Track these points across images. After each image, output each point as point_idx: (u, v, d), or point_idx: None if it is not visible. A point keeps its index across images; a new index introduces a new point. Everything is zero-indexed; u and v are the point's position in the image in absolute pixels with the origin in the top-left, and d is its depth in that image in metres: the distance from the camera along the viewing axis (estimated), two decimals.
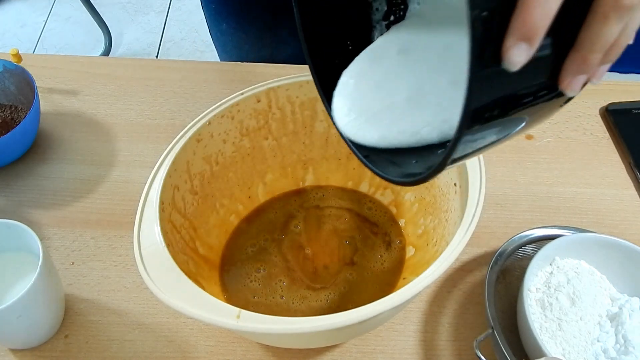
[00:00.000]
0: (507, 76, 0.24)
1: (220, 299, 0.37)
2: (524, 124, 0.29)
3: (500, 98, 0.26)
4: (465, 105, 0.24)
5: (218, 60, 0.84)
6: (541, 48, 0.24)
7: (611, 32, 0.25)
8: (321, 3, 0.39)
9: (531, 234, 0.50)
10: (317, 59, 0.40)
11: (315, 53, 0.39)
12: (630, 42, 0.27)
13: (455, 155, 0.27)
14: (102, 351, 0.48)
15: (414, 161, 0.35)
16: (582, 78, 0.26)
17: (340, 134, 0.38)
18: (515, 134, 0.30)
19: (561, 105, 0.30)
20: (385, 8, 0.42)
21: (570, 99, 0.29)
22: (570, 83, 0.26)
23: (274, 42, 0.78)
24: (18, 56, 0.63)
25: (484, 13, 0.22)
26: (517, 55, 0.23)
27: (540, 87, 0.27)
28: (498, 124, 0.27)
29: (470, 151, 0.29)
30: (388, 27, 0.42)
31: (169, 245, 0.41)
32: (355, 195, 0.56)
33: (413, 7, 0.41)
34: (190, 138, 0.47)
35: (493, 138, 0.29)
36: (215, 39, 0.83)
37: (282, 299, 0.49)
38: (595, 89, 0.69)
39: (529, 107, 0.28)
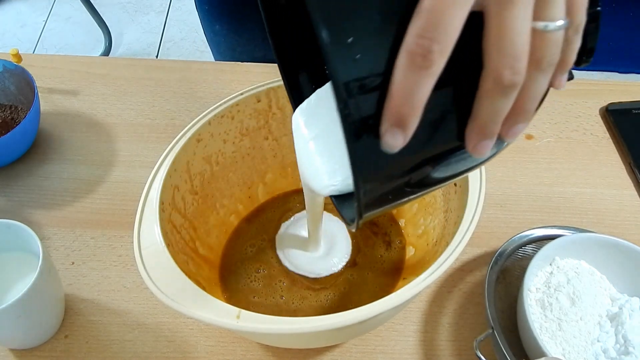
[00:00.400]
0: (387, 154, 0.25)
1: (220, 299, 0.37)
2: (447, 179, 0.30)
3: (393, 169, 0.27)
4: (356, 188, 0.26)
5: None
6: (431, 123, 0.25)
7: (500, 106, 0.25)
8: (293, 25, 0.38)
9: (531, 234, 0.50)
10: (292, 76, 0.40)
11: (291, 72, 0.40)
12: (534, 106, 0.26)
13: (368, 213, 0.29)
14: (102, 351, 0.48)
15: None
16: (487, 142, 0.26)
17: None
18: (447, 182, 0.31)
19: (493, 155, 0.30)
20: None
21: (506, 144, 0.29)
22: (475, 147, 0.27)
23: (267, 43, 0.80)
24: (18, 56, 0.63)
25: (353, 106, 0.24)
26: (392, 139, 0.24)
27: (447, 151, 0.28)
28: (406, 190, 0.29)
29: (388, 205, 0.30)
30: None
31: (169, 245, 0.41)
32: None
33: None
34: (190, 138, 0.47)
35: (414, 195, 0.30)
36: (209, 39, 0.83)
37: (282, 299, 0.49)
38: (595, 89, 0.69)
39: (442, 167, 0.28)
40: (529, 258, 0.47)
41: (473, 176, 0.42)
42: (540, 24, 0.24)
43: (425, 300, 0.51)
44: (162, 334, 0.49)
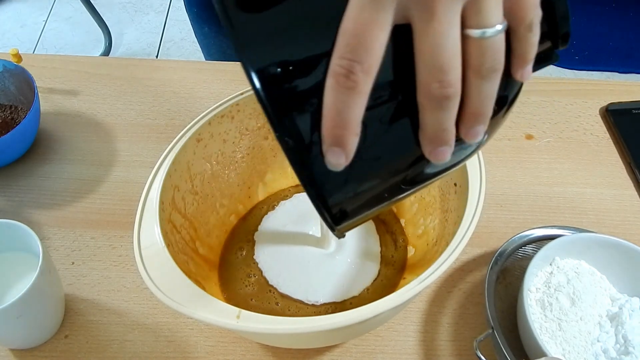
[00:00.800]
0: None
1: (220, 299, 0.37)
2: (426, 180, 0.30)
3: (357, 184, 0.27)
4: (314, 204, 0.27)
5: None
6: (382, 135, 0.26)
7: (443, 117, 0.25)
8: None
9: (531, 234, 0.50)
10: None
11: None
12: (486, 110, 0.26)
13: (341, 226, 0.29)
14: (102, 351, 0.48)
15: None
16: (444, 149, 0.26)
17: None
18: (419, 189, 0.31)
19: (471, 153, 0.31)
20: None
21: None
22: (432, 154, 0.27)
23: None
24: (18, 56, 0.63)
25: (293, 132, 0.25)
26: (334, 159, 0.25)
27: (413, 158, 0.28)
28: (383, 196, 0.29)
29: (367, 211, 0.30)
30: None
31: (169, 245, 0.41)
32: None
33: None
34: (190, 138, 0.47)
35: (392, 199, 0.30)
36: (199, 41, 0.84)
37: (277, 305, 0.49)
38: (595, 89, 0.69)
39: (415, 172, 0.29)
40: (529, 258, 0.47)
41: (473, 176, 0.42)
42: (474, 32, 0.24)
43: (425, 300, 0.51)
44: (162, 334, 0.49)
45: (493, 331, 0.43)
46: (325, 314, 0.42)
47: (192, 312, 0.35)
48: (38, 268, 0.43)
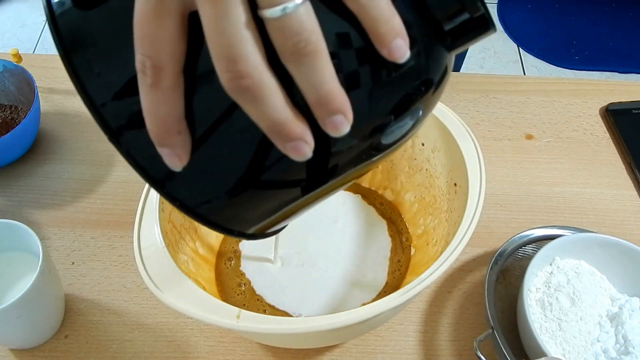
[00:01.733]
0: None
1: (220, 299, 0.37)
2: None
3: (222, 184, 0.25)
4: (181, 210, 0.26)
5: None
6: (212, 133, 0.24)
7: (260, 111, 0.22)
8: None
9: (531, 234, 0.50)
10: None
11: None
12: (333, 95, 0.22)
13: (251, 230, 0.28)
14: (102, 351, 0.48)
15: None
16: (296, 144, 0.23)
17: None
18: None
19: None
20: None
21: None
22: (290, 151, 0.23)
23: None
24: (18, 56, 0.63)
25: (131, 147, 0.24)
26: (167, 159, 0.24)
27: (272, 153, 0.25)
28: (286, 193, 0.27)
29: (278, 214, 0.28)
30: None
31: (169, 245, 0.41)
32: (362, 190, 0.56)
33: None
34: None
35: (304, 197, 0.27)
36: None
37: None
38: (595, 89, 0.69)
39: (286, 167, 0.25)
40: (529, 258, 0.47)
41: (473, 176, 0.42)
42: (265, 13, 0.21)
43: (425, 300, 0.51)
44: (162, 334, 0.49)
45: (493, 331, 0.43)
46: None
47: (192, 312, 0.35)
48: (38, 268, 0.43)
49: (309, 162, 0.24)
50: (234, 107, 0.22)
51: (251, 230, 0.28)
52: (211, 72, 0.22)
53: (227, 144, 0.24)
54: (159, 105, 0.22)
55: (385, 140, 0.27)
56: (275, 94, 0.22)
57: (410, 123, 0.27)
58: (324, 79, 0.22)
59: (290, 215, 0.29)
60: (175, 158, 0.23)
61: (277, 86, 0.22)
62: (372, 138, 0.26)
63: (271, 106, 0.22)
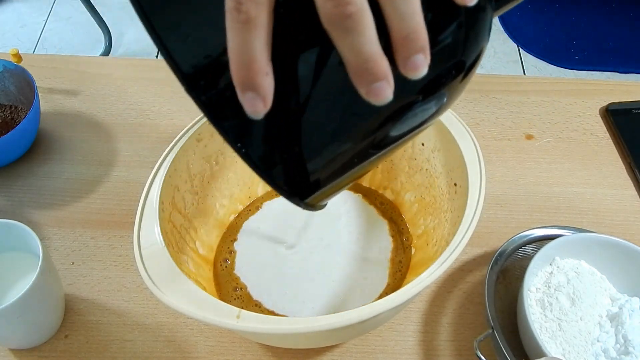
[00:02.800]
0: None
1: (220, 299, 0.37)
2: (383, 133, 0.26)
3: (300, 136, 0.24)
4: (253, 167, 0.24)
5: None
6: (307, 75, 0.23)
7: (355, 44, 0.22)
8: None
9: (531, 234, 0.50)
10: None
11: None
12: (417, 31, 0.22)
13: (301, 191, 0.26)
14: (102, 351, 0.48)
15: None
16: (380, 84, 0.22)
17: None
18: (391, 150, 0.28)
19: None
20: None
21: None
22: (367, 93, 0.23)
23: None
24: (18, 56, 0.63)
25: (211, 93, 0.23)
26: (248, 104, 0.22)
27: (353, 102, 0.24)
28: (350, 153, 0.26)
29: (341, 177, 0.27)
30: None
31: (169, 245, 0.41)
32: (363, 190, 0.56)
33: None
34: (190, 138, 0.47)
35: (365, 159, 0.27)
36: None
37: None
38: (595, 89, 0.69)
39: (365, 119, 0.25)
40: (529, 258, 0.47)
41: (473, 176, 0.42)
42: None
43: (425, 300, 0.51)
44: (162, 334, 0.49)
45: (493, 331, 0.43)
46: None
47: (192, 312, 0.35)
48: (38, 268, 0.43)
49: (381, 113, 0.24)
50: (322, 46, 0.22)
51: (310, 199, 0.27)
52: (306, 6, 0.21)
53: (305, 90, 0.23)
54: (250, 43, 0.22)
55: (444, 86, 0.27)
56: (372, 27, 0.21)
57: (469, 79, 0.27)
58: (415, 10, 0.22)
59: (350, 179, 0.29)
60: (259, 102, 0.22)
61: (372, 19, 0.22)
62: (437, 89, 0.26)
63: (367, 38, 0.21)
